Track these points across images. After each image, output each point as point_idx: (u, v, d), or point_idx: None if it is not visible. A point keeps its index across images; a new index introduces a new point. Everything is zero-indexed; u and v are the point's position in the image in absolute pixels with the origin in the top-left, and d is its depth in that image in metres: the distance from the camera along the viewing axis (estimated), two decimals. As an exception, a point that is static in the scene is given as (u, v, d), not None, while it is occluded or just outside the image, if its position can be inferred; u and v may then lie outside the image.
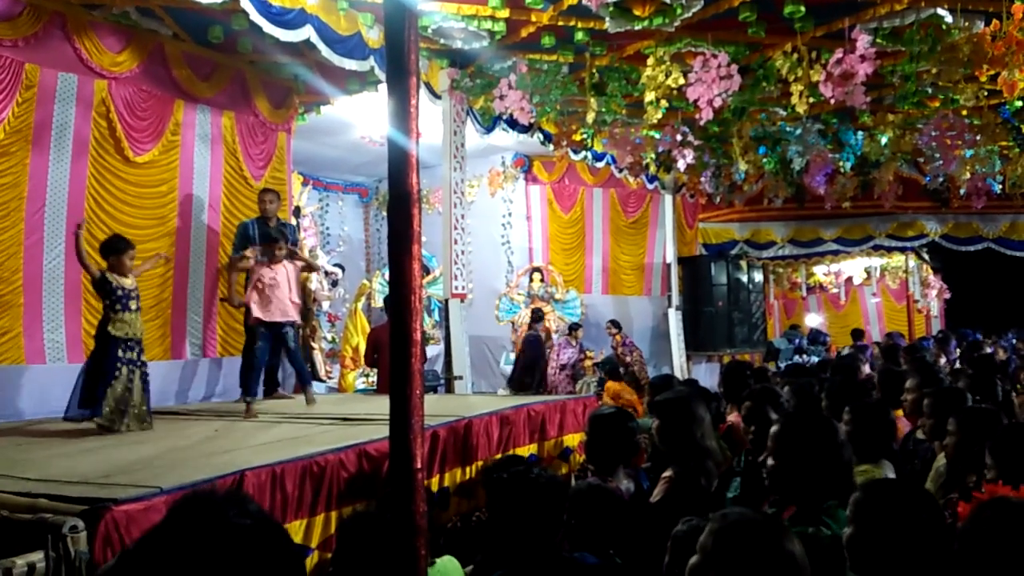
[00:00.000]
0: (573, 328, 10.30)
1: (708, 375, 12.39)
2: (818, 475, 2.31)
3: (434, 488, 4.01)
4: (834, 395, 4.20)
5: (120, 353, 4.61)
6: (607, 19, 5.90)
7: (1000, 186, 9.46)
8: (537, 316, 10.44)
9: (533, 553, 2.22)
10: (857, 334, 13.23)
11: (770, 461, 2.44)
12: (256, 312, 5.67)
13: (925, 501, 2.00)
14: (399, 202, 1.62)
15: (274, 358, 6.18)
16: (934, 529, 1.91)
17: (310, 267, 6.04)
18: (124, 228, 6.07)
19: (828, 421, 2.56)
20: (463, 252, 7.34)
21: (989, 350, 6.84)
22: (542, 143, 8.88)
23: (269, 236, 6.37)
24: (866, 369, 7.43)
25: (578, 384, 9.59)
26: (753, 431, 3.40)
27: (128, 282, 4.75)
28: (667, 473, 3.05)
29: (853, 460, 2.47)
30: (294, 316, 5.81)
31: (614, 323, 10.90)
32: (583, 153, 9.42)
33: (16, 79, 5.46)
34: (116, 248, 4.78)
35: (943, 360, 8.71)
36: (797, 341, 13.17)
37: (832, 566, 2.04)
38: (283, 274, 5.65)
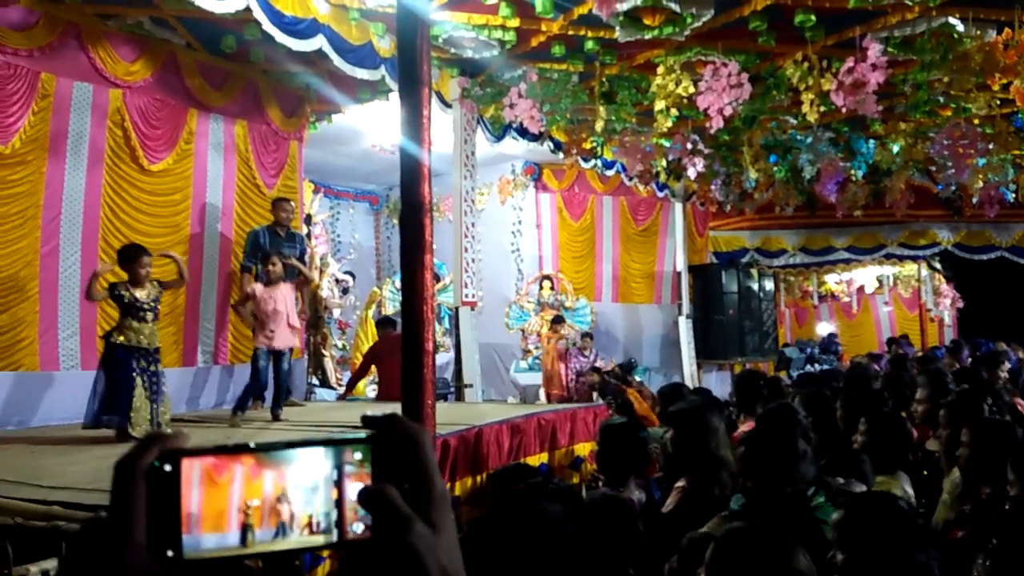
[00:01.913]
0: (584, 336, 10.26)
1: (719, 384, 12.32)
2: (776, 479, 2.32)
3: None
4: (849, 405, 4.16)
5: (133, 364, 4.64)
6: (617, 28, 5.91)
7: (1013, 195, 9.40)
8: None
9: (550, 567, 2.21)
10: (890, 343, 13.13)
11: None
12: (260, 341, 5.67)
13: (906, 518, 1.96)
14: (411, 212, 1.63)
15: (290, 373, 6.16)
16: (918, 543, 1.87)
17: (305, 280, 6.11)
18: (139, 236, 6.12)
19: (790, 432, 2.53)
20: (473, 260, 7.35)
21: (1009, 364, 6.75)
22: (552, 151, 8.89)
23: (280, 245, 6.42)
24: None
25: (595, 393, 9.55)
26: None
27: (142, 293, 4.75)
28: (680, 483, 3.03)
29: (811, 470, 2.46)
30: (293, 342, 5.90)
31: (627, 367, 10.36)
32: (593, 161, 9.42)
33: (32, 88, 5.52)
34: (127, 257, 4.81)
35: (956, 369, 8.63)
36: (809, 350, 13.09)
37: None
38: (282, 299, 5.63)
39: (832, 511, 2.24)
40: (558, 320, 10.19)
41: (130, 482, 0.52)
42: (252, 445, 0.54)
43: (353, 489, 0.54)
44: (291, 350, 5.94)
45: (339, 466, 0.54)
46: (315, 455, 0.54)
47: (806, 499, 2.31)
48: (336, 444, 0.55)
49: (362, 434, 0.55)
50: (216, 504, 0.52)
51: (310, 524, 0.53)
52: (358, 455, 0.55)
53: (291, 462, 0.54)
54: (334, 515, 0.54)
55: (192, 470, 0.53)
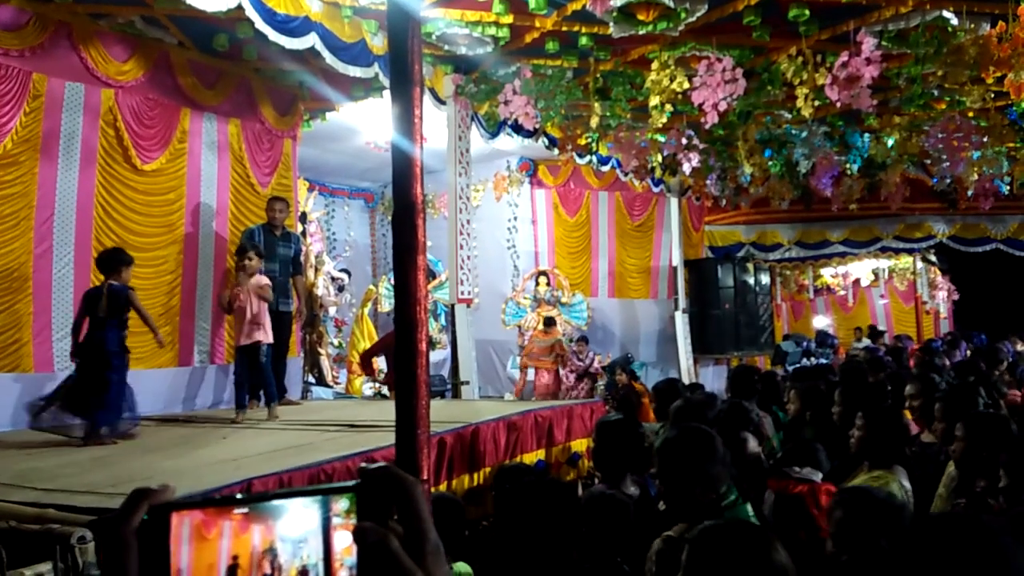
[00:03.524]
0: (579, 340, 10.23)
1: (715, 378, 12.35)
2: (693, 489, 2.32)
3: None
4: (845, 399, 4.17)
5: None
6: (611, 24, 5.90)
7: (1008, 187, 9.42)
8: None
9: (547, 564, 2.21)
10: (876, 334, 13.14)
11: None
12: (236, 339, 5.74)
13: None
14: (404, 213, 1.61)
15: (268, 368, 5.98)
16: None
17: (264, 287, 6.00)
18: (133, 236, 6.11)
19: (709, 437, 2.51)
20: (469, 257, 7.34)
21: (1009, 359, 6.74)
22: (547, 147, 8.88)
23: (274, 244, 6.39)
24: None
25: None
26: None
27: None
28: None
29: (724, 473, 2.46)
30: (259, 337, 5.67)
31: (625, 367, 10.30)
32: (588, 157, 9.42)
33: (23, 89, 5.49)
34: (126, 260, 4.78)
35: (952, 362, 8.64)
36: (805, 344, 13.11)
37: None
38: (245, 297, 5.63)
39: (746, 510, 2.24)
40: (549, 322, 10.15)
41: (122, 545, 0.53)
42: (240, 497, 0.55)
43: (340, 539, 0.54)
44: (262, 346, 5.71)
45: (326, 516, 0.55)
46: (303, 507, 0.55)
47: (719, 497, 2.30)
48: (323, 493, 0.55)
49: (349, 483, 0.56)
50: (205, 559, 0.53)
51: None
52: (344, 504, 0.55)
53: (279, 516, 0.55)
54: (322, 566, 0.54)
55: (182, 526, 0.54)
